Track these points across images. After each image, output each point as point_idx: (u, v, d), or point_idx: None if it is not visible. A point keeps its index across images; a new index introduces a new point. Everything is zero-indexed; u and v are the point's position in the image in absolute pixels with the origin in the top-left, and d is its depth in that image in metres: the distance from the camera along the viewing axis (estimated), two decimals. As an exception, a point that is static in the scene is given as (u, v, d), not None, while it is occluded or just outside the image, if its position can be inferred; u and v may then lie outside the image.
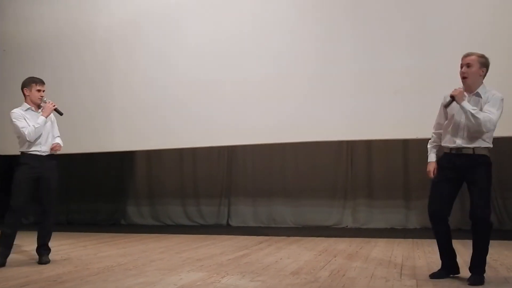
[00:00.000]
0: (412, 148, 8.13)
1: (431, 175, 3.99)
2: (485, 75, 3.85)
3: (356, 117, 6.49)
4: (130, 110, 7.71)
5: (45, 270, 4.50)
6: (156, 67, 7.58)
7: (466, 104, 3.74)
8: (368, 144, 8.37)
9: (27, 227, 9.08)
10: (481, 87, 3.82)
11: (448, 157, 3.92)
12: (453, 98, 3.79)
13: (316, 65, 6.71)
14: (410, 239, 6.51)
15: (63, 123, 7.30)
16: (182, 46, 7.46)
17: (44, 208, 4.99)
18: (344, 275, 4.15)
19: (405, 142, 8.09)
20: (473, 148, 3.77)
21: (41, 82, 5.03)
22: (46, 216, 5.02)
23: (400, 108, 6.23)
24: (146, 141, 7.68)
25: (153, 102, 7.56)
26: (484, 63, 3.82)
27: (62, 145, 5.16)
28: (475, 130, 3.74)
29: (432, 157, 4.06)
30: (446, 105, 3.87)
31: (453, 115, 3.87)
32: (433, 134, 4.12)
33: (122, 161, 9.81)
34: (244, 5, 7.21)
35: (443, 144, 3.98)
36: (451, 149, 3.88)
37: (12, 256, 4.95)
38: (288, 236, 7.07)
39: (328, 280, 3.93)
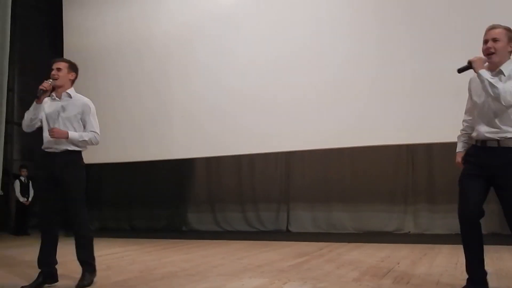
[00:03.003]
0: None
1: (461, 165, 3.53)
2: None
3: (416, 120, 6.40)
4: (189, 118, 7.91)
5: (113, 275, 4.65)
6: (216, 72, 7.75)
7: (483, 72, 3.15)
8: (429, 147, 8.16)
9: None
10: (505, 63, 3.23)
11: (473, 150, 3.41)
12: (470, 64, 3.23)
13: (375, 70, 6.69)
14: (476, 245, 6.26)
15: (127, 131, 7.56)
16: (246, 53, 7.60)
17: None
18: (408, 282, 4.06)
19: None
20: (498, 140, 3.21)
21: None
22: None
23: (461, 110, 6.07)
24: (204, 149, 7.84)
25: (211, 109, 7.72)
26: None
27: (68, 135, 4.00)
28: (496, 109, 3.18)
29: (459, 147, 3.58)
30: (460, 70, 3.32)
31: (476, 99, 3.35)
32: (463, 122, 3.59)
33: (182, 167, 10.02)
34: (305, 12, 7.28)
35: (472, 134, 3.47)
36: (476, 140, 3.36)
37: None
38: (349, 242, 7.00)
39: (392, 287, 3.86)
